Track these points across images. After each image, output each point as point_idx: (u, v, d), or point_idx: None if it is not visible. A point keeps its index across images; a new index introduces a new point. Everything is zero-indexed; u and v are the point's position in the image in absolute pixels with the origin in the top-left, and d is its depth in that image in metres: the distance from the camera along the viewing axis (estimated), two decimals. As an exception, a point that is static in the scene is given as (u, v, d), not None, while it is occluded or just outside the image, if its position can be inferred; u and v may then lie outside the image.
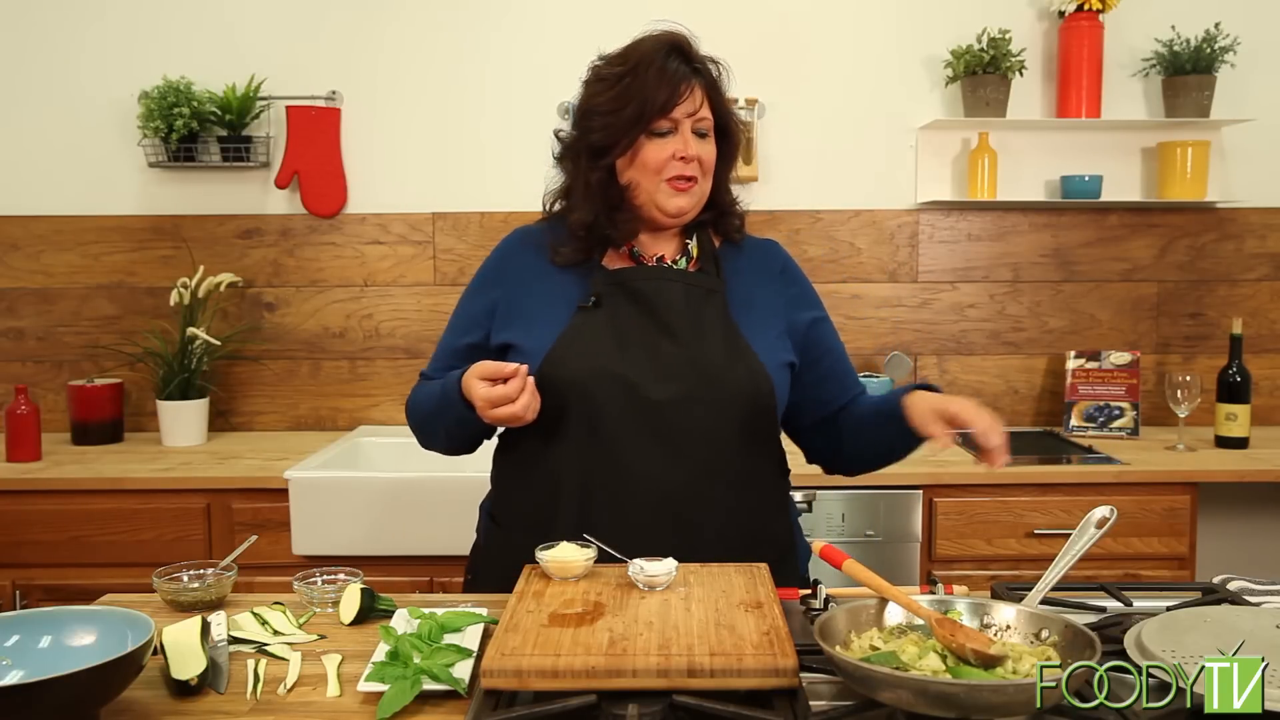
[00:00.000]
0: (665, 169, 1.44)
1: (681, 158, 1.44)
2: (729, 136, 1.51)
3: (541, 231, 1.56)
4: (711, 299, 1.48)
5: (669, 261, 1.52)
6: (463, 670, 1.11)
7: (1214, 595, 1.35)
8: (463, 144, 2.88)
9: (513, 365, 1.34)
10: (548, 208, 1.58)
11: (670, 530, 1.39)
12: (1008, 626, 1.11)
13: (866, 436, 1.52)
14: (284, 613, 1.33)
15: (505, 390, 1.33)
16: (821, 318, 1.59)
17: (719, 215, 1.55)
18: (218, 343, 2.76)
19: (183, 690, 1.11)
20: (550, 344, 1.44)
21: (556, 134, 1.56)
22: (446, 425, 1.49)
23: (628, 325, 1.45)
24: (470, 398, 1.37)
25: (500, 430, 1.54)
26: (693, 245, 1.53)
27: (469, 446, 1.56)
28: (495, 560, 1.49)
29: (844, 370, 1.59)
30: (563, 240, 1.51)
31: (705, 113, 1.46)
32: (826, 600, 1.27)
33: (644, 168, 1.45)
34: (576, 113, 1.51)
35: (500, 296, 1.53)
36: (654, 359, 1.42)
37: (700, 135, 1.46)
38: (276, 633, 1.29)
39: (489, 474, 1.63)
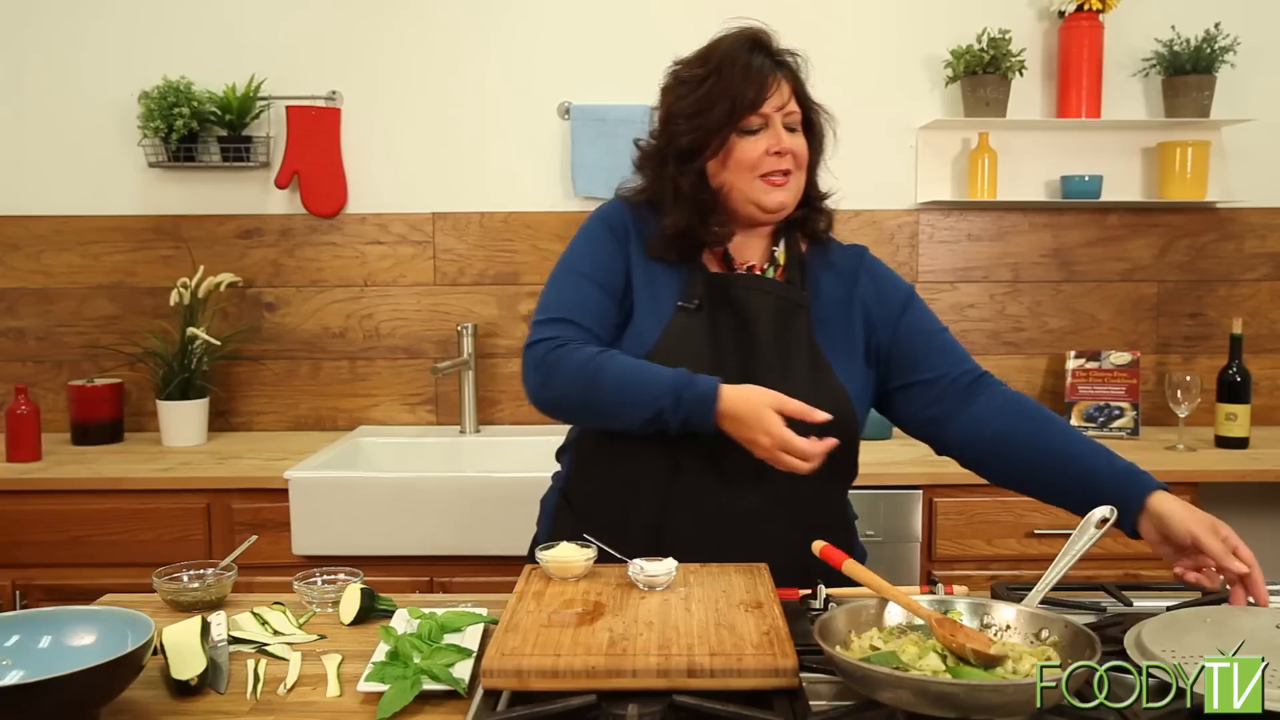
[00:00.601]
0: (760, 165, 1.41)
1: (776, 152, 1.41)
2: (815, 130, 1.48)
3: (635, 209, 1.50)
4: (798, 314, 1.46)
5: (759, 269, 1.49)
6: (463, 670, 1.11)
7: (1214, 595, 1.35)
8: (463, 144, 2.88)
9: (822, 415, 1.27)
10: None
11: (737, 548, 1.37)
12: (1008, 626, 1.11)
13: (1048, 481, 1.41)
14: (284, 613, 1.34)
15: (809, 448, 1.26)
16: (910, 297, 1.54)
17: (809, 212, 1.51)
18: (218, 343, 2.76)
19: (183, 690, 1.11)
20: (653, 340, 1.41)
21: (636, 143, 1.52)
22: (658, 421, 1.33)
23: (724, 336, 1.43)
24: (750, 418, 1.27)
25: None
26: (779, 252, 1.50)
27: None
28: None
29: (945, 344, 1.52)
30: (654, 234, 1.47)
31: (793, 106, 1.43)
32: (826, 600, 1.27)
33: (738, 167, 1.42)
34: (659, 119, 1.48)
35: (630, 254, 1.47)
36: (744, 379, 1.36)
37: (790, 130, 1.43)
38: (276, 633, 1.29)
39: (554, 470, 1.60)
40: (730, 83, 1.40)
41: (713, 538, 1.39)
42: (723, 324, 1.44)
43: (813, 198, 1.51)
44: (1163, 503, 1.27)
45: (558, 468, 1.63)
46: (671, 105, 1.45)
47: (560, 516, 1.54)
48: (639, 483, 1.43)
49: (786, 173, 1.43)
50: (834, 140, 1.52)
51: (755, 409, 1.28)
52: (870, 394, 1.52)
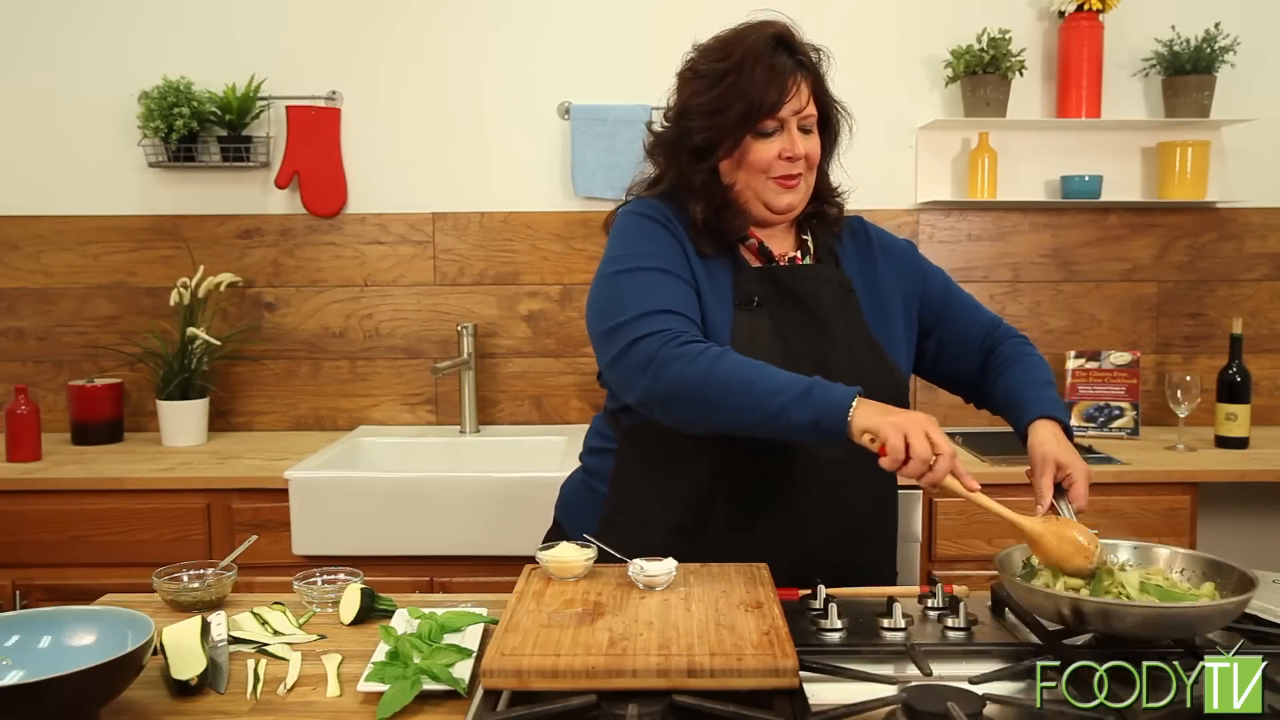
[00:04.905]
0: (772, 168, 1.40)
1: (788, 157, 1.39)
2: (832, 126, 1.47)
3: (666, 203, 1.45)
4: (850, 299, 1.45)
5: (799, 260, 1.47)
6: (463, 670, 1.11)
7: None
8: (463, 144, 2.88)
9: (975, 485, 1.29)
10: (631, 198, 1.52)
11: (781, 548, 1.36)
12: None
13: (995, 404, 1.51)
14: (284, 613, 1.34)
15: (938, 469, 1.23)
16: (915, 253, 1.57)
17: (820, 207, 1.50)
18: (218, 343, 2.76)
19: (183, 690, 1.11)
20: (726, 340, 1.37)
21: (649, 126, 1.50)
22: (780, 417, 1.22)
23: (790, 333, 1.40)
24: (913, 442, 1.18)
25: (629, 421, 1.45)
26: (809, 240, 1.50)
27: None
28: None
29: (965, 301, 1.56)
30: (685, 229, 1.43)
31: (811, 108, 1.41)
32: (826, 600, 1.27)
33: (750, 169, 1.40)
34: (674, 110, 1.45)
35: (685, 247, 1.41)
36: (818, 370, 1.32)
37: (805, 131, 1.41)
38: (276, 633, 1.29)
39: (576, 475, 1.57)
40: (750, 84, 1.36)
41: (771, 543, 1.37)
42: (785, 319, 1.41)
43: (823, 193, 1.50)
44: (1036, 433, 1.37)
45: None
46: (687, 99, 1.42)
47: (606, 529, 1.47)
48: (698, 488, 1.40)
49: (798, 175, 1.42)
50: (849, 136, 1.51)
51: (914, 423, 1.19)
52: (911, 366, 1.53)
